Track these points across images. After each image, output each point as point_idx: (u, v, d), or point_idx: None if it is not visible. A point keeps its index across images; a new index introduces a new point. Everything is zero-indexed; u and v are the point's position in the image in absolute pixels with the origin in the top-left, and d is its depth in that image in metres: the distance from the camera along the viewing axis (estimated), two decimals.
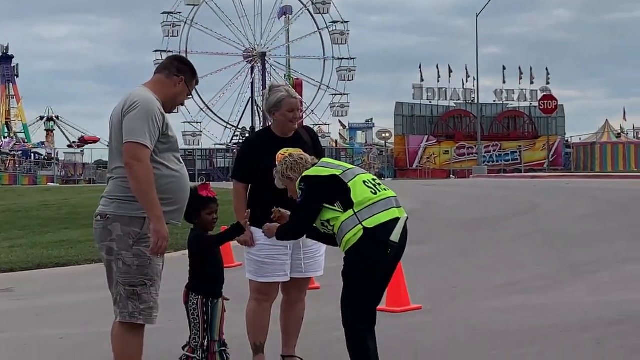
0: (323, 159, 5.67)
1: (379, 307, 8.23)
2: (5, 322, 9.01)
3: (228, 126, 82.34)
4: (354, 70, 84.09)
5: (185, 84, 5.37)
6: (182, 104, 5.61)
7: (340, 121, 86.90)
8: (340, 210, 5.29)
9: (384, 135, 76.58)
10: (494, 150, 73.15)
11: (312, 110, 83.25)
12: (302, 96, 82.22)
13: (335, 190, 5.31)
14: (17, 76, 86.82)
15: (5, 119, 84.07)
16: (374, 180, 5.46)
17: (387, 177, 67.03)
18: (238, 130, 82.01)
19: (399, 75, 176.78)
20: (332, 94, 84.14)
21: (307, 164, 5.55)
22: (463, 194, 29.25)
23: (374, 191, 5.33)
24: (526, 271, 11.23)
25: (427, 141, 73.01)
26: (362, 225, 5.21)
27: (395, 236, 5.22)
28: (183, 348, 5.75)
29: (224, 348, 5.77)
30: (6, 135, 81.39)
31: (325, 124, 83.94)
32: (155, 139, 5.05)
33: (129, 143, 4.95)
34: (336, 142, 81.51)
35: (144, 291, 5.04)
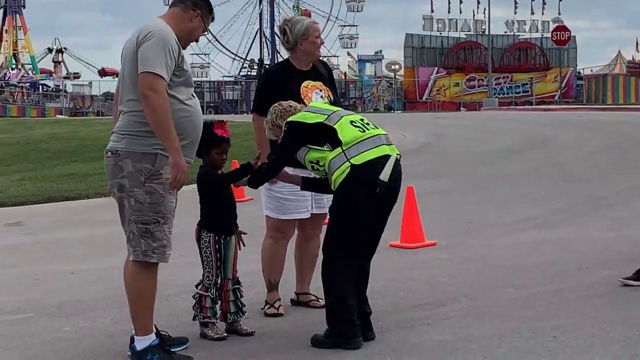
0: (310, 104, 5.59)
1: (392, 242, 8.31)
2: (15, 257, 8.94)
3: (236, 58, 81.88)
4: (363, 1, 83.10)
5: (202, 19, 5.15)
6: (197, 40, 5.39)
7: (349, 53, 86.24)
8: (329, 149, 5.20)
9: (393, 67, 76.18)
10: (505, 82, 72.64)
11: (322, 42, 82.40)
12: None
13: (322, 134, 5.22)
14: (24, 7, 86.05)
15: (13, 50, 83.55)
16: (362, 120, 5.36)
17: (397, 110, 66.72)
18: (246, 62, 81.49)
19: (408, 6, 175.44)
20: (341, 26, 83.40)
21: (295, 111, 5.45)
22: (476, 127, 28.98)
23: (361, 129, 5.24)
24: (542, 206, 11.09)
25: (437, 73, 72.61)
26: (349, 162, 5.12)
27: (384, 175, 5.10)
28: (196, 286, 5.63)
29: (237, 286, 5.65)
30: (14, 67, 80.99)
31: (334, 56, 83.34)
32: (171, 70, 4.85)
33: (144, 73, 4.76)
34: (345, 74, 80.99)
35: (157, 229, 4.89)
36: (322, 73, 6.24)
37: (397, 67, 75.91)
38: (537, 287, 6.72)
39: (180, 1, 5.15)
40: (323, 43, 6.33)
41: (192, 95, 5.10)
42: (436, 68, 72.55)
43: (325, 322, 5.29)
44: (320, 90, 6.11)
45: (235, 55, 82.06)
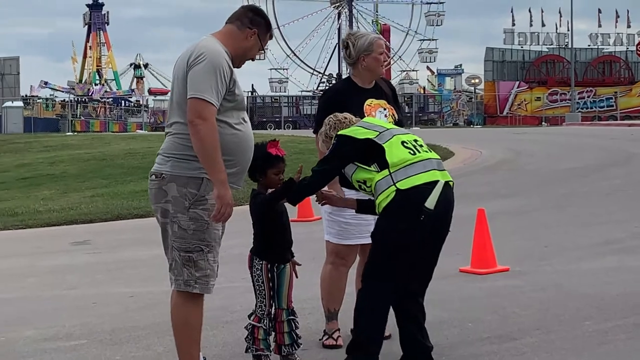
0: (364, 119, 5.27)
1: (462, 267, 7.95)
2: (77, 278, 8.80)
3: (314, 73, 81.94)
4: (443, 15, 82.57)
5: (258, 37, 4.87)
6: (253, 59, 5.06)
7: (428, 67, 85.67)
8: (376, 170, 4.88)
9: (473, 81, 75.42)
10: (588, 97, 71.25)
11: (400, 57, 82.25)
12: (389, 42, 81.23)
13: (370, 152, 4.91)
14: (108, 24, 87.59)
15: (97, 66, 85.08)
16: (415, 141, 5.02)
17: (476, 124, 65.91)
18: (325, 77, 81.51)
19: (489, 20, 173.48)
20: (420, 40, 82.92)
21: (350, 123, 5.17)
22: (556, 143, 28.27)
23: (412, 152, 4.90)
24: (623, 229, 10.52)
25: (518, 87, 71.73)
26: (395, 186, 4.79)
27: (430, 202, 4.74)
28: (249, 316, 5.36)
29: (292, 317, 5.36)
30: (97, 82, 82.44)
31: (413, 70, 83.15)
32: (222, 95, 4.59)
33: (193, 99, 4.51)
34: (424, 88, 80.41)
35: (200, 257, 4.65)
36: (385, 91, 5.95)
37: (477, 81, 75.13)
38: (616, 319, 6.26)
39: (236, 18, 4.89)
40: (386, 61, 6.02)
41: (244, 119, 4.83)
42: (517, 82, 71.65)
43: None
44: (384, 109, 5.82)
45: (314, 69, 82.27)
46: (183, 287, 4.68)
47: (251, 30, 4.83)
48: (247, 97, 70.92)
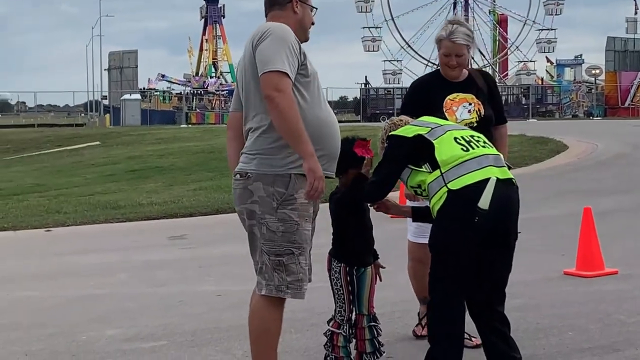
0: (420, 118, 4.83)
1: (566, 270, 7.44)
2: (167, 274, 8.66)
3: (429, 64, 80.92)
4: (562, 4, 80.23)
5: (302, 1, 4.57)
6: (313, 23, 4.72)
7: (547, 57, 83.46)
8: (428, 171, 4.49)
9: (593, 71, 73.28)
10: None
11: (517, 47, 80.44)
12: (506, 32, 79.73)
13: (422, 151, 4.51)
14: (224, 17, 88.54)
15: (213, 59, 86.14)
16: (472, 136, 4.57)
17: (597, 116, 64.06)
18: (438, 67, 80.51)
19: (611, 8, 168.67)
20: (539, 29, 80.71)
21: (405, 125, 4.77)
22: None
23: (465, 148, 4.46)
24: None
25: None
26: (446, 187, 4.37)
27: (483, 202, 4.27)
28: (328, 322, 5.06)
29: (374, 323, 5.03)
30: (213, 75, 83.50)
31: (531, 61, 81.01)
32: (295, 69, 4.29)
33: (266, 73, 4.22)
34: (542, 79, 78.54)
35: (292, 261, 4.38)
36: (479, 85, 5.56)
37: (597, 71, 72.98)
38: None
39: (272, 4, 4.60)
40: (468, 65, 5.62)
41: (324, 100, 4.51)
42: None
43: None
44: (470, 104, 5.44)
45: (428, 61, 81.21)
46: (275, 293, 4.41)
47: (291, 1, 4.54)
48: (360, 88, 70.81)
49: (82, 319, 6.83)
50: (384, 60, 77.41)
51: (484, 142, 4.60)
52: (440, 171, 4.42)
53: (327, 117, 4.46)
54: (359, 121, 59.99)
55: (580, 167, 18.30)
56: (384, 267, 5.15)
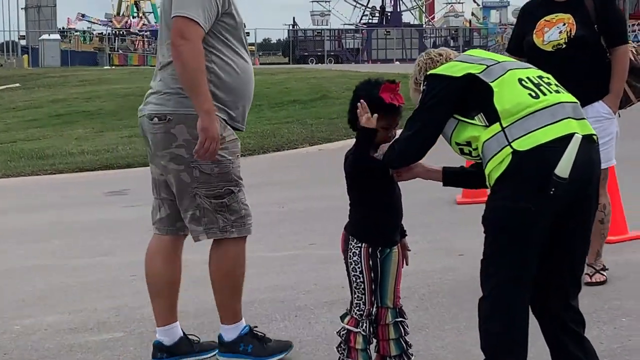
0: (468, 52, 3.68)
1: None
2: (111, 240, 7.42)
3: (357, 5, 79.66)
4: None
5: None
6: None
7: (474, 0, 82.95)
8: (483, 124, 3.33)
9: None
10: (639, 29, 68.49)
11: None
12: None
13: (474, 97, 3.38)
14: None
15: None
16: (540, 77, 3.43)
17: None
18: (367, 9, 79.29)
19: None
20: None
21: (447, 61, 3.61)
22: None
23: (534, 94, 3.33)
24: None
25: None
26: (510, 147, 3.24)
27: (562, 168, 3.18)
28: (342, 318, 3.93)
29: (401, 319, 3.93)
30: (135, 15, 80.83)
31: (459, 3, 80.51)
32: (212, 16, 4.08)
33: (177, 17, 4.01)
34: (470, 22, 77.96)
35: (233, 200, 4.21)
36: (587, 5, 5.08)
37: None
38: None
39: None
40: None
41: (243, 51, 4.25)
42: None
43: None
44: (564, 25, 4.98)
45: (356, 2, 79.93)
46: (220, 235, 4.23)
47: None
48: (289, 30, 69.35)
49: (11, 302, 5.61)
50: (312, 1, 75.99)
51: (556, 85, 3.46)
52: (501, 125, 3.28)
53: (249, 68, 4.29)
54: (287, 63, 58.59)
55: None
56: (410, 250, 4.04)
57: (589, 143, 3.30)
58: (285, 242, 6.98)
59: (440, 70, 3.49)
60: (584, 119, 3.36)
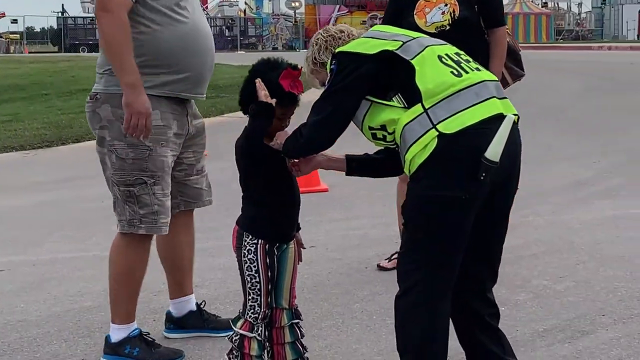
0: (375, 27, 3.39)
1: None
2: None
3: None
4: None
5: None
6: None
7: None
8: (402, 105, 3.07)
9: (293, 4, 73.96)
10: None
11: None
12: None
13: (392, 75, 3.10)
14: None
15: None
16: (458, 54, 3.22)
17: (298, 49, 64.75)
18: None
19: None
20: None
21: (349, 38, 3.32)
22: None
23: (456, 72, 3.10)
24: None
25: (338, 11, 70.86)
26: (436, 129, 2.97)
27: (493, 152, 2.95)
28: (233, 322, 3.57)
29: (296, 320, 3.64)
30: None
31: None
32: None
33: None
34: (244, 11, 78.19)
35: (144, 191, 3.92)
36: None
37: (297, 4, 73.71)
38: None
39: None
40: None
41: (177, 14, 3.92)
42: (338, 6, 70.89)
43: None
44: (446, 5, 4.79)
45: None
46: (127, 228, 3.97)
47: None
48: (57, 17, 66.96)
49: None
50: None
51: (475, 63, 3.24)
52: (423, 106, 3.00)
53: (188, 31, 3.94)
54: (57, 52, 56.40)
55: None
56: (305, 248, 3.74)
57: (514, 125, 3.10)
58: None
59: (351, 47, 3.17)
60: (505, 97, 3.15)
